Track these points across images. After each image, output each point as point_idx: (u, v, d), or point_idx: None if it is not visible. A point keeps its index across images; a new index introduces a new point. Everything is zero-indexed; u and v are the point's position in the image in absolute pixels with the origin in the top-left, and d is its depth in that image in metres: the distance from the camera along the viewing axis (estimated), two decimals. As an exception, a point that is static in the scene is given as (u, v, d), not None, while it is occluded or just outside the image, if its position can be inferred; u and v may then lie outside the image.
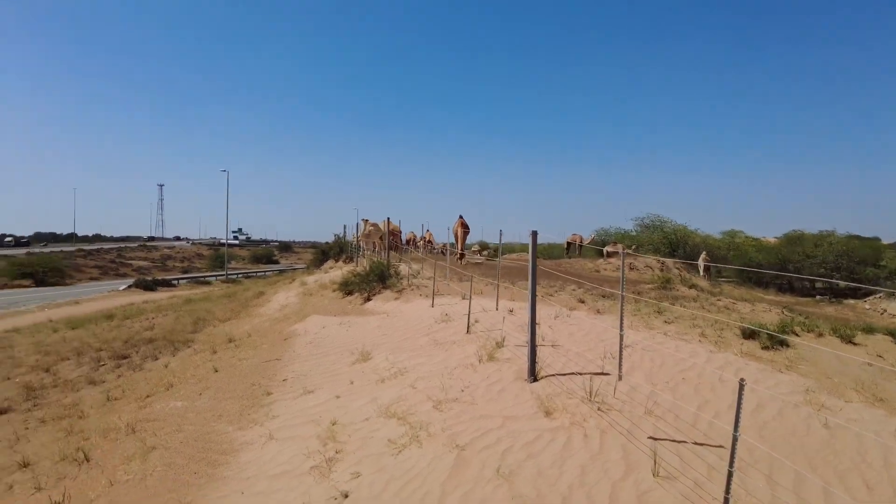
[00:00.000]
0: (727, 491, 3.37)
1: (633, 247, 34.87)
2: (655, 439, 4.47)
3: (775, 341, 7.13)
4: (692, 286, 16.67)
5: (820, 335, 7.98)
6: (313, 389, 7.05)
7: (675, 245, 37.26)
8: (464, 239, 23.88)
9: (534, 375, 5.96)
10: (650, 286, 15.48)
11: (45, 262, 51.91)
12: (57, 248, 75.05)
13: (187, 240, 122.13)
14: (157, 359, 11.59)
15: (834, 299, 25.62)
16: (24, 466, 5.93)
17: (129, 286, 39.15)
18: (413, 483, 4.13)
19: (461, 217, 24.46)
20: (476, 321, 8.93)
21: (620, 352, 5.76)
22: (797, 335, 7.91)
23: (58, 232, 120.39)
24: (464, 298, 9.78)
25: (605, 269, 25.46)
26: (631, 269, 25.50)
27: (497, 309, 9.89)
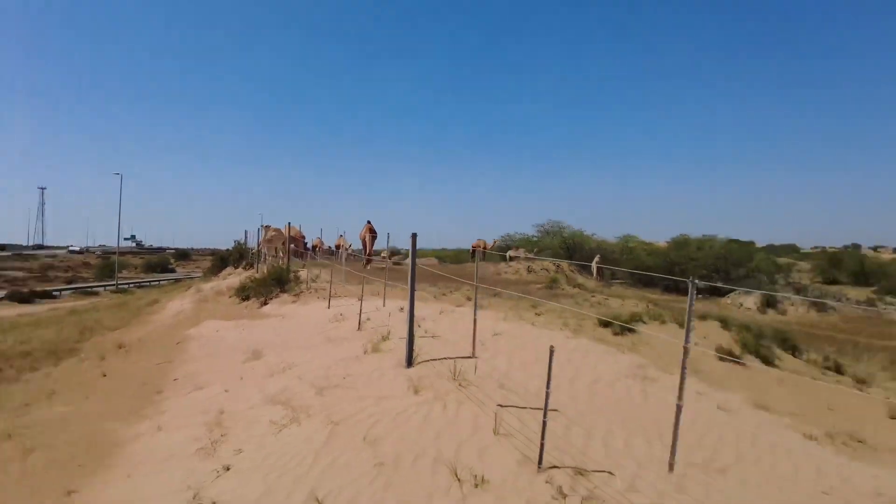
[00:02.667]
0: (542, 437, 4.20)
1: (535, 251, 36.88)
2: (503, 406, 5.28)
3: (624, 328, 8.30)
4: (577, 285, 18.20)
5: (663, 322, 9.32)
6: (203, 386, 7.32)
7: (572, 249, 39.79)
8: (371, 244, 24.33)
9: (410, 362, 6.64)
10: (539, 286, 16.77)
11: None
12: None
13: (74, 248, 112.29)
14: (36, 370, 11.12)
15: (708, 297, 28.65)
16: None
17: (0, 299, 35.87)
18: (290, 453, 4.65)
19: (369, 223, 24.89)
20: (368, 319, 9.52)
21: (474, 337, 6.59)
22: (645, 323, 9.20)
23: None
24: (359, 300, 10.31)
25: (506, 273, 26.88)
26: (529, 271, 27.06)
27: (384, 306, 10.53)
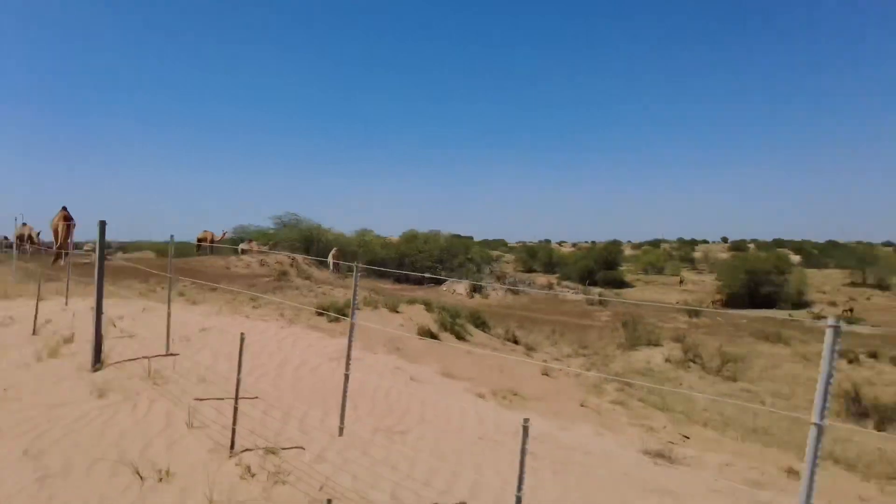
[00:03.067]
0: (234, 423, 4.28)
1: (271, 244, 35.81)
2: (201, 399, 5.17)
3: (339, 315, 8.81)
4: (308, 277, 18.41)
5: (375, 307, 10.17)
6: None
7: (310, 242, 39.83)
8: (66, 235, 20.57)
9: (97, 364, 5.98)
10: (267, 279, 16.48)
11: None
12: None
13: None
14: None
15: (431, 286, 31.82)
16: None
17: None
18: None
19: (64, 209, 20.95)
20: (49, 321, 8.17)
21: (168, 333, 6.31)
22: (359, 309, 9.90)
23: None
24: (41, 300, 8.73)
25: (237, 267, 25.60)
26: (262, 265, 26.23)
27: (67, 305, 9.22)
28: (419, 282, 36.05)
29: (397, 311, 10.15)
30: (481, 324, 11.80)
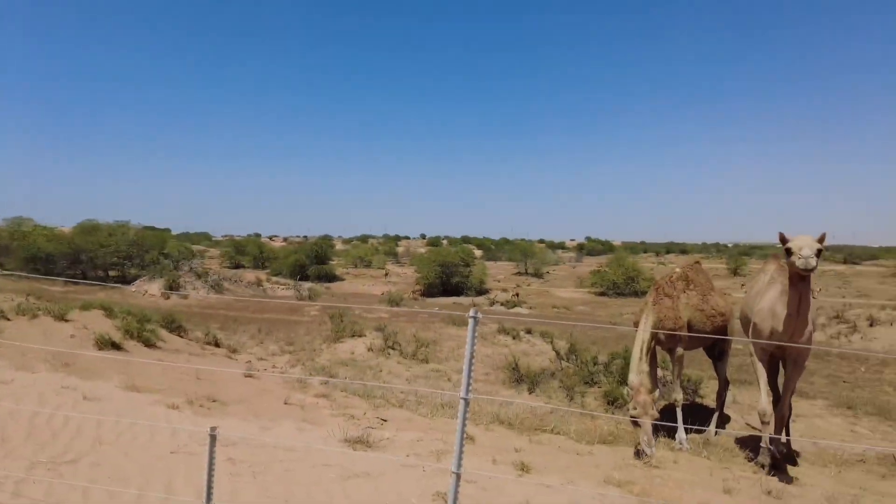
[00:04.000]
0: None
1: None
2: None
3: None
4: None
5: (35, 316, 8.40)
6: None
7: None
8: None
9: None
10: None
11: None
12: None
13: None
14: None
15: (118, 286, 27.45)
16: None
17: None
18: None
19: None
20: None
21: None
22: (9, 319, 8.05)
23: None
24: None
25: None
26: None
27: None
28: (103, 281, 30.99)
29: (66, 320, 8.54)
30: (177, 328, 10.77)
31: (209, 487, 2.85)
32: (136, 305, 13.69)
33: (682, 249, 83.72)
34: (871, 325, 18.56)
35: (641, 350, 6.98)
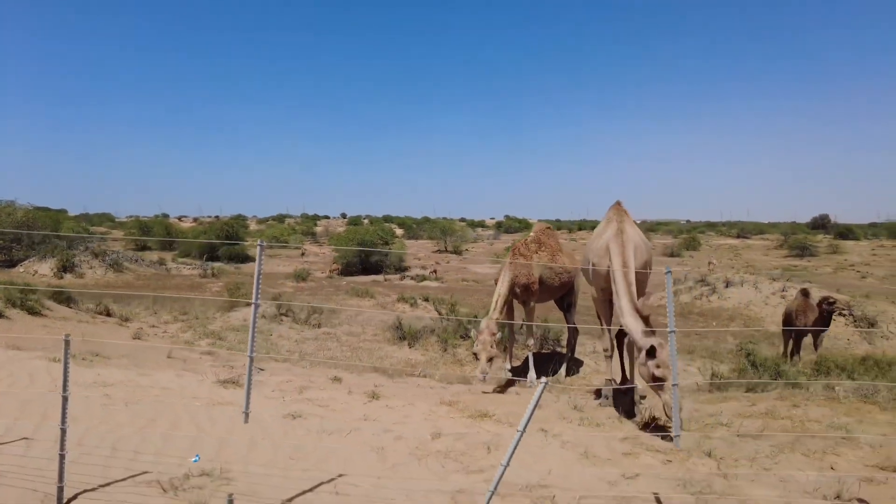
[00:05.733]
0: None
1: None
2: None
3: None
4: None
5: None
6: None
7: None
8: None
9: None
10: None
11: None
12: None
13: None
14: None
15: (2, 269, 26.05)
16: None
17: None
18: None
19: None
20: None
21: None
22: None
23: None
24: None
25: None
26: None
27: None
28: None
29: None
30: (66, 299, 11.02)
31: (64, 383, 3.63)
32: (22, 281, 13.58)
33: (593, 227, 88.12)
34: (726, 287, 21.27)
35: (497, 302, 8.22)
